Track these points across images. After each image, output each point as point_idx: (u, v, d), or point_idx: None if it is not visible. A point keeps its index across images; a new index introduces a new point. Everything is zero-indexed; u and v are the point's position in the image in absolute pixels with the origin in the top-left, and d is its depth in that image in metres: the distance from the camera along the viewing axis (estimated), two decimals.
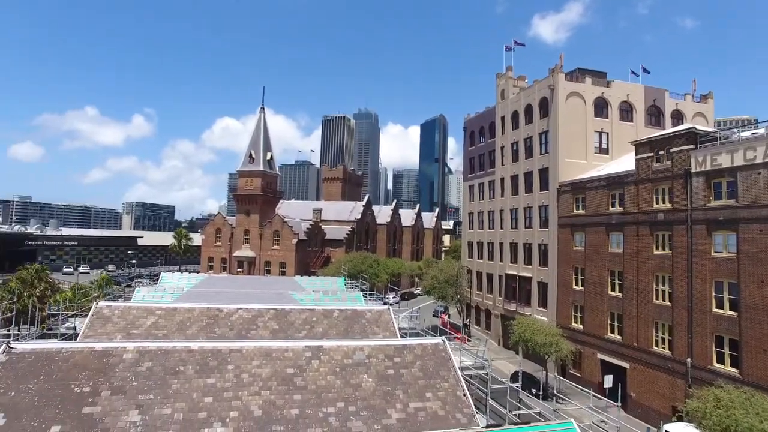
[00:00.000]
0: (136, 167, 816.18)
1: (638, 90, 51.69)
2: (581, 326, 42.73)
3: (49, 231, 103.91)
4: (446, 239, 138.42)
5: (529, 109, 53.60)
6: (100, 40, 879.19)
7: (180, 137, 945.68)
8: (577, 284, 43.81)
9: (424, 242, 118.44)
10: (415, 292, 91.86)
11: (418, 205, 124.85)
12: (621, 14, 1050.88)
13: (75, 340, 23.23)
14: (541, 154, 51.01)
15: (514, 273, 53.92)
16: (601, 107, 50.04)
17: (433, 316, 73.79)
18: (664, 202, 35.16)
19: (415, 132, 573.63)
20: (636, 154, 37.98)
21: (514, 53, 62.74)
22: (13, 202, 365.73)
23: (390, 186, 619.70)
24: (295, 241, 75.99)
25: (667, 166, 34.85)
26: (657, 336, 35.05)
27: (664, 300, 34.72)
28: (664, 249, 34.88)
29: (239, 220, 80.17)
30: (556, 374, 43.63)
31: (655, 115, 52.53)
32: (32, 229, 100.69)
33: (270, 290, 37.02)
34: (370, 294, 41.77)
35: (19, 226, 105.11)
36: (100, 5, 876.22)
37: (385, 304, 79.13)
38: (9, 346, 17.10)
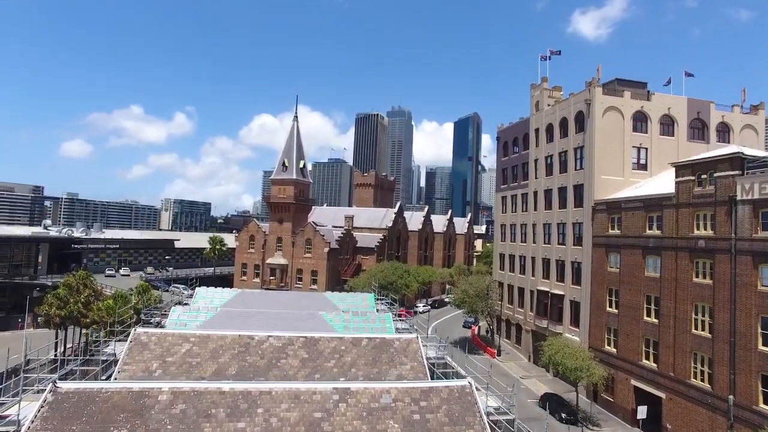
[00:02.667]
0: (176, 163, 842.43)
1: (680, 102, 49.80)
2: (614, 350, 41.64)
3: (93, 233, 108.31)
4: (478, 244, 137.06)
5: (564, 123, 52.47)
6: (145, 41, 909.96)
7: (218, 134, 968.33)
8: (611, 306, 42.72)
9: (455, 248, 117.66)
10: (445, 300, 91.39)
11: (450, 211, 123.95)
12: (667, 7, 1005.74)
13: (115, 366, 24.12)
14: (576, 169, 49.88)
15: (546, 289, 52.98)
16: (640, 121, 48.51)
17: (463, 326, 73.41)
18: (705, 229, 33.83)
19: (449, 128, 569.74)
20: (676, 177, 36.66)
21: (551, 56, 61.31)
22: (61, 199, 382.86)
23: (423, 183, 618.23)
24: (326, 249, 76.78)
25: (709, 191, 33.50)
26: (696, 368, 33.81)
27: (703, 330, 33.44)
28: (704, 277, 33.58)
29: (272, 227, 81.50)
30: (587, 397, 42.78)
31: (699, 129, 50.56)
32: (78, 232, 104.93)
33: (301, 309, 37.38)
34: (399, 306, 41.72)
35: (66, 229, 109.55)
36: (141, 8, 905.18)
37: (414, 312, 78.92)
38: (55, 386, 18.00)
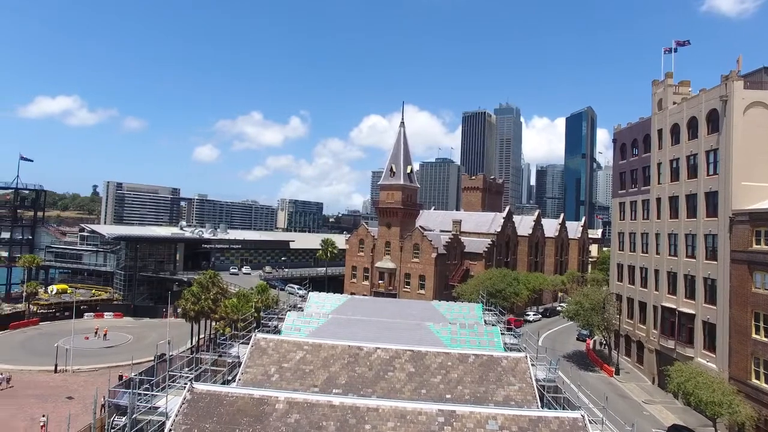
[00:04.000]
0: (291, 164, 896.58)
1: None
2: (766, 385, 36.41)
3: (219, 234, 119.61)
4: (593, 249, 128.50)
5: (693, 123, 47.37)
6: (262, 49, 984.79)
7: (330, 136, 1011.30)
8: (758, 333, 37.42)
9: (568, 254, 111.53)
10: (558, 308, 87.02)
11: (562, 215, 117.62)
12: None
13: (239, 368, 26.45)
14: (708, 174, 44.77)
15: (672, 306, 48.21)
16: None
17: (577, 339, 69.36)
18: None
19: (561, 124, 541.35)
20: None
21: (677, 48, 55.55)
22: (194, 200, 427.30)
23: (533, 182, 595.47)
24: (434, 254, 77.00)
25: None
26: None
27: None
28: None
29: (381, 232, 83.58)
30: None
31: None
32: (207, 233, 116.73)
33: (408, 318, 37.93)
34: (508, 314, 40.46)
35: (198, 230, 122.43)
36: (260, 24, 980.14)
37: (524, 321, 76.48)
38: (192, 386, 20.35)
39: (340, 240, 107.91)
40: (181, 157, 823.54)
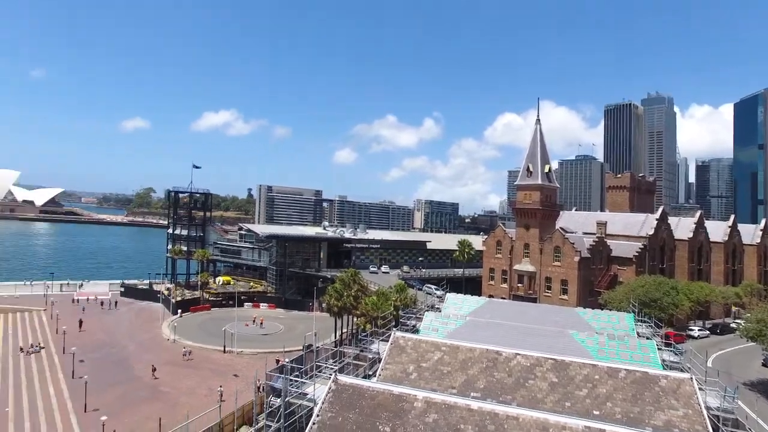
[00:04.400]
0: (426, 165, 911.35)
1: None
2: None
3: (359, 234, 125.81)
4: None
5: None
6: (395, 53, 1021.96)
7: (464, 136, 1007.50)
8: None
9: (743, 262, 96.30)
10: (732, 325, 75.32)
11: (732, 216, 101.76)
12: None
13: (378, 363, 27.41)
14: None
15: None
16: None
17: (763, 365, 59.16)
18: None
19: (728, 111, 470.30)
20: None
21: None
22: (335, 201, 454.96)
23: (692, 179, 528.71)
24: (577, 258, 72.08)
25: None
26: None
27: None
28: None
29: (519, 233, 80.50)
30: None
31: None
32: (347, 233, 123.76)
33: (549, 325, 36.13)
34: (667, 327, 36.21)
35: (339, 229, 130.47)
36: (390, 32, 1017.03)
37: (687, 336, 68.33)
38: (336, 377, 21.64)
39: (476, 241, 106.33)
40: (323, 161, 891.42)
